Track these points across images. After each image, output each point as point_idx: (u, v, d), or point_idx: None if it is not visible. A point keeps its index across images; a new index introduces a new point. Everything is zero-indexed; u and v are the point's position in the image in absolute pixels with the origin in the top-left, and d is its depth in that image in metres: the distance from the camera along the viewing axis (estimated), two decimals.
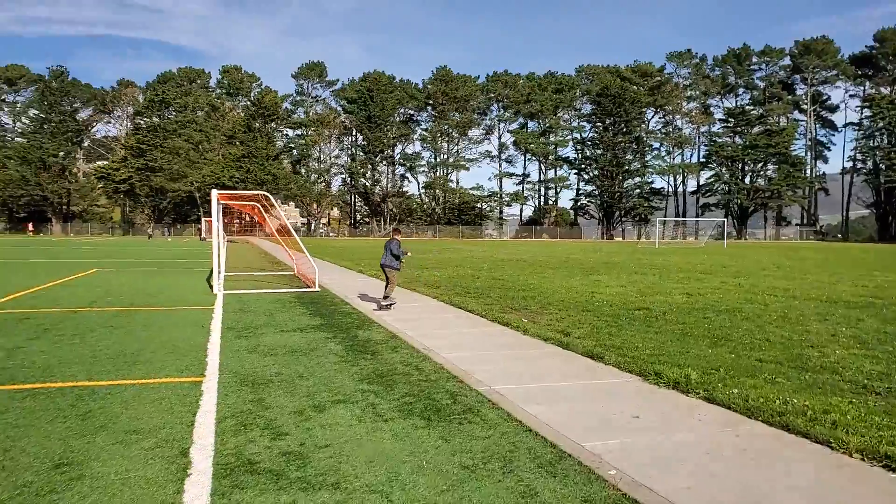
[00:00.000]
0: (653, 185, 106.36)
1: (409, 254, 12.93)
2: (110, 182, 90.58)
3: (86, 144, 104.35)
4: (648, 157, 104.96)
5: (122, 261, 27.25)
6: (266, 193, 15.39)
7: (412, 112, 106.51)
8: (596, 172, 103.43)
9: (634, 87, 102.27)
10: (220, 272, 14.53)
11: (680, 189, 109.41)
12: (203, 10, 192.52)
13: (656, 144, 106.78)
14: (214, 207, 14.35)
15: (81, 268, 22.53)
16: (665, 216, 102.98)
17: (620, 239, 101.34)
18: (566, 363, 7.49)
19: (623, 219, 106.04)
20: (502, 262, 28.00)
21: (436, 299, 13.55)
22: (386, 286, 12.19)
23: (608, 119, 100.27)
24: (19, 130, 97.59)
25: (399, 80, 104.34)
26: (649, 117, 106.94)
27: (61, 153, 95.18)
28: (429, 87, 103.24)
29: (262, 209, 15.40)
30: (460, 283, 16.74)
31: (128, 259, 28.69)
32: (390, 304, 11.97)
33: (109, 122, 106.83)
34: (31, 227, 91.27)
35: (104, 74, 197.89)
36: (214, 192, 14.36)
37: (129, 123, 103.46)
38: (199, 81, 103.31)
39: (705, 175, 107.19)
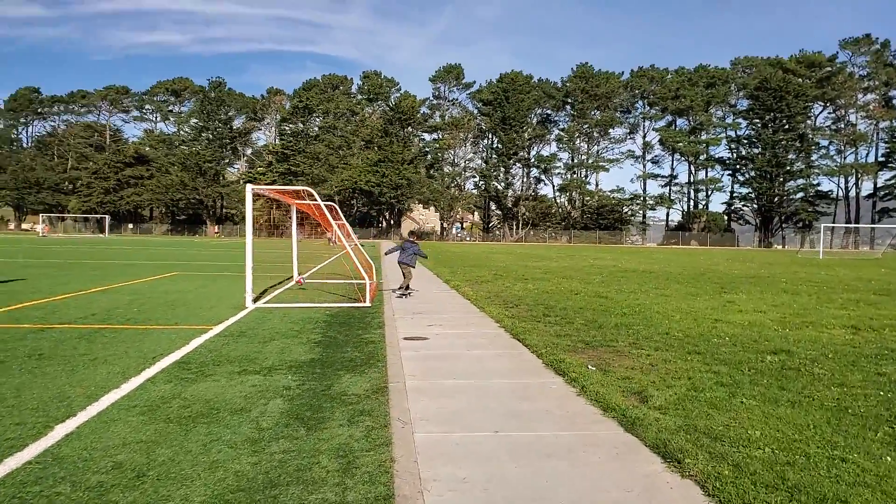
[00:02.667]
0: (819, 188, 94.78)
1: (426, 256, 15.81)
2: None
3: (249, 152, 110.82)
4: (814, 157, 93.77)
5: (223, 264, 26.65)
6: (309, 189, 13.19)
7: (549, 112, 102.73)
8: (753, 174, 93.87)
9: (799, 79, 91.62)
10: (254, 281, 12.47)
11: (852, 192, 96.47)
12: (361, 23, 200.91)
13: (824, 142, 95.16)
14: (249, 203, 12.34)
15: (168, 270, 21.84)
16: (833, 222, 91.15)
17: (780, 247, 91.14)
18: (614, 469, 4.31)
19: (783, 225, 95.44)
20: (624, 273, 24.18)
21: (497, 324, 10.55)
22: (405, 278, 14.75)
23: (767, 115, 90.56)
24: (182, 139, 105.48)
25: (537, 79, 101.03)
26: (816, 112, 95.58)
27: (217, 160, 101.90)
28: (567, 84, 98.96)
29: (326, 210, 13.16)
30: (547, 302, 13.56)
31: (232, 262, 28.14)
32: (403, 294, 14.52)
33: (260, 130, 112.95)
34: (216, 229, 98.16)
35: (266, 86, 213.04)
36: (249, 187, 12.37)
37: (275, 130, 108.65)
38: (341, 88, 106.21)
39: (885, 176, 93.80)
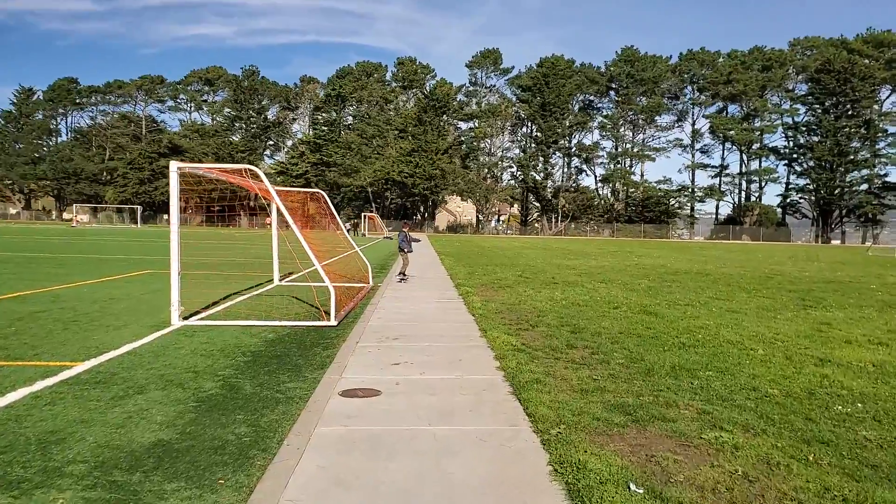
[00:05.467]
0: (887, 179, 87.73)
1: (419, 240, 19.11)
2: (287, 177, 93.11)
3: (290, 144, 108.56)
4: (882, 145, 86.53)
5: (223, 260, 23.89)
6: (253, 168, 10.04)
7: (592, 98, 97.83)
8: (811, 163, 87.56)
9: (866, 60, 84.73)
10: (177, 289, 9.37)
11: None
12: (403, 13, 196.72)
13: (892, 129, 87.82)
14: (173, 185, 9.26)
15: (151, 266, 19.12)
16: None
17: (838, 243, 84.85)
18: None
19: (844, 219, 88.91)
20: (675, 275, 20.50)
21: (498, 362, 7.21)
22: (402, 265, 16.70)
23: (829, 100, 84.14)
24: (215, 129, 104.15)
25: (579, 64, 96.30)
26: (884, 97, 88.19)
27: (250, 150, 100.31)
28: (611, 69, 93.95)
29: (275, 195, 10.02)
30: (576, 321, 10.14)
31: (235, 259, 25.35)
32: (404, 279, 16.10)
33: (295, 120, 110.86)
34: (268, 220, 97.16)
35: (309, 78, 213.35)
36: (174, 165, 9.31)
37: (308, 119, 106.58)
38: (375, 75, 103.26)
39: None
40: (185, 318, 9.65)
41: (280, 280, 15.65)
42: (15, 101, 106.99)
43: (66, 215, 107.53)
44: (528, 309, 11.52)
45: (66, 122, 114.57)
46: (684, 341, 8.59)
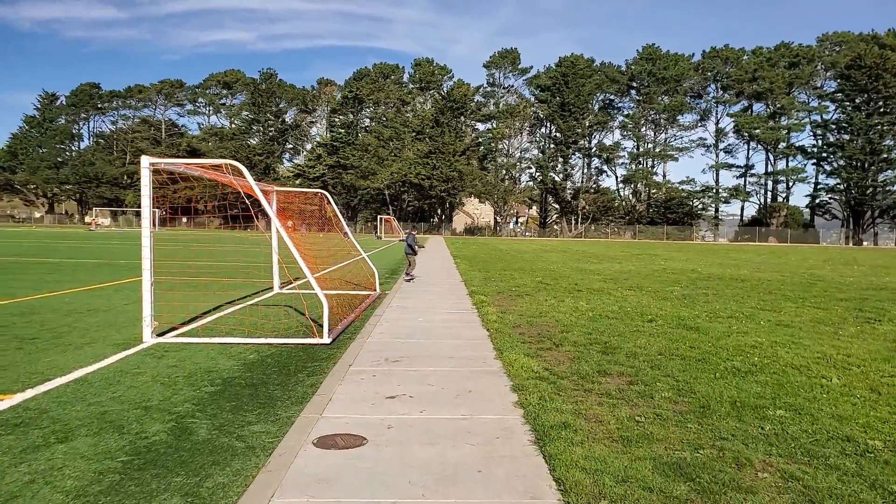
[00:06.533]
0: None
1: (423, 246, 20.03)
2: (305, 180, 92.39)
3: (309, 147, 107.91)
4: None
5: (232, 265, 22.80)
6: (233, 163, 8.92)
7: (612, 97, 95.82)
8: (841, 162, 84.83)
9: None
10: (151, 304, 8.22)
11: None
12: (421, 16, 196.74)
13: None
14: (145, 183, 8.17)
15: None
16: None
17: (869, 244, 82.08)
18: None
19: (877, 220, 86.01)
20: (707, 281, 19.02)
21: (516, 395, 5.90)
22: (408, 266, 17.13)
23: (860, 97, 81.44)
24: (233, 132, 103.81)
25: (599, 63, 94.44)
26: None
27: (267, 153, 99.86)
28: (632, 68, 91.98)
29: (259, 193, 9.07)
30: (607, 338, 8.80)
31: (237, 263, 24.23)
32: (411, 279, 16.76)
33: (313, 122, 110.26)
34: (288, 223, 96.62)
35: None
36: (145, 160, 8.23)
37: (326, 121, 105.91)
38: (392, 77, 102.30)
39: None
40: (160, 335, 8.50)
41: (280, 287, 14.49)
42: (38, 106, 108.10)
43: (87, 219, 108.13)
44: (550, 322, 10.20)
45: (88, 127, 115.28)
46: (738, 365, 7.22)
